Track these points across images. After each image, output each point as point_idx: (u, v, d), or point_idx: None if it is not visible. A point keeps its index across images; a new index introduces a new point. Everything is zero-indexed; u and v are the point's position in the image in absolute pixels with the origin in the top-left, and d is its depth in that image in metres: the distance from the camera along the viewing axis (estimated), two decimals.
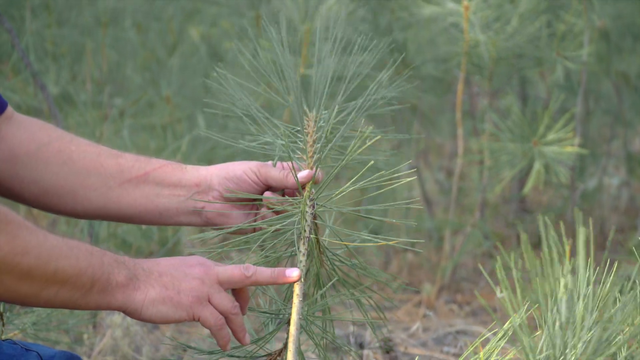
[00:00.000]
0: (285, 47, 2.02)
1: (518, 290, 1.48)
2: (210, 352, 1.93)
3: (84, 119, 3.91)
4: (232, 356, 1.93)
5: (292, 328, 1.81)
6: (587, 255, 1.51)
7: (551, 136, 3.74)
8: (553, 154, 3.71)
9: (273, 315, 1.97)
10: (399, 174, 1.89)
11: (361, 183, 1.88)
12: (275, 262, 1.95)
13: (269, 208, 1.97)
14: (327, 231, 1.93)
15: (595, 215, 5.01)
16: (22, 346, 1.94)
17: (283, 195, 1.98)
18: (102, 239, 3.57)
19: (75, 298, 1.72)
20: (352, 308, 1.99)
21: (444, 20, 3.94)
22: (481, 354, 1.67)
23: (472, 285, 4.37)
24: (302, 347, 1.90)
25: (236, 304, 1.84)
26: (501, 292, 1.47)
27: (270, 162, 2.01)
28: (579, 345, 1.48)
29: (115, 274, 1.75)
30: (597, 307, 1.52)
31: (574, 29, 3.98)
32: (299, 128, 2.01)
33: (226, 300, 1.83)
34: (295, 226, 1.90)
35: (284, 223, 1.91)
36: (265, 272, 1.86)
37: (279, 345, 1.97)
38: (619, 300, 1.55)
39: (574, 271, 1.51)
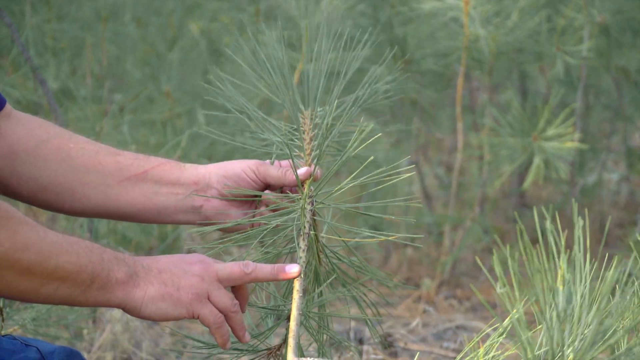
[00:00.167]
0: (282, 45, 2.02)
1: (515, 285, 1.48)
2: (211, 346, 1.93)
3: (84, 114, 3.91)
4: (232, 349, 1.93)
5: (292, 323, 1.81)
6: (585, 246, 1.51)
7: (551, 131, 3.74)
8: (553, 149, 3.71)
9: (272, 311, 1.97)
10: (399, 170, 1.89)
11: (361, 179, 1.88)
12: (275, 259, 1.95)
13: (268, 206, 1.98)
14: (325, 227, 1.93)
15: (595, 211, 5.01)
16: (22, 341, 1.95)
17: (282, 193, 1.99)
18: (101, 235, 3.57)
19: (75, 295, 1.72)
20: (352, 304, 1.99)
21: (444, 14, 3.94)
22: (481, 350, 1.67)
23: (472, 280, 4.38)
24: (301, 343, 1.90)
25: (236, 301, 1.84)
26: (500, 287, 1.47)
27: (268, 161, 2.01)
28: (577, 339, 1.48)
29: (115, 271, 1.75)
30: (596, 300, 1.52)
31: (574, 24, 3.98)
32: (295, 126, 2.01)
33: (226, 298, 1.83)
34: (295, 222, 1.90)
35: (284, 219, 1.91)
36: (265, 269, 1.86)
37: (277, 341, 1.98)
38: (618, 293, 1.55)
39: (571, 262, 1.51)
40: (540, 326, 1.56)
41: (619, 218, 5.09)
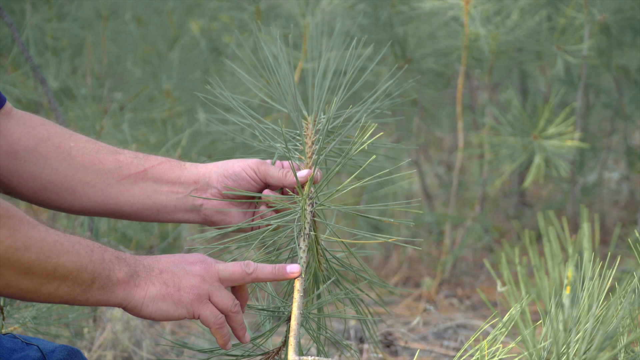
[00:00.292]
0: (281, 50, 2.02)
1: (521, 284, 1.48)
2: (210, 351, 1.93)
3: (84, 113, 3.91)
4: (231, 354, 1.93)
5: (293, 323, 1.81)
6: (592, 250, 1.51)
7: (551, 130, 3.74)
8: (553, 147, 3.71)
9: (272, 313, 1.97)
10: (400, 167, 1.89)
11: (361, 182, 1.88)
12: (276, 259, 1.96)
13: (268, 206, 1.98)
14: (327, 231, 1.94)
15: (596, 210, 5.01)
16: (23, 340, 1.95)
17: (282, 194, 1.99)
18: (102, 233, 3.56)
19: (76, 294, 1.72)
20: (351, 304, 1.99)
21: (445, 14, 3.94)
22: (484, 342, 1.67)
23: (473, 279, 4.38)
24: (301, 343, 1.90)
25: (237, 302, 1.84)
26: (502, 286, 1.47)
27: (269, 160, 2.01)
28: (583, 343, 1.48)
29: (115, 271, 1.75)
30: (599, 303, 1.52)
31: (575, 23, 3.98)
32: (297, 131, 2.02)
33: (227, 298, 1.83)
34: (296, 223, 1.90)
35: (284, 220, 1.91)
36: (266, 269, 1.86)
37: (276, 341, 1.98)
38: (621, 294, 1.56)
39: (575, 265, 1.51)
40: (539, 322, 1.56)
41: (619, 217, 5.09)
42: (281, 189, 2.00)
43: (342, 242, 1.92)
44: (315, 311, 1.95)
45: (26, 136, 1.97)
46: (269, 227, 1.93)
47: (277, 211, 1.97)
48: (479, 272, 4.46)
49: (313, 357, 1.76)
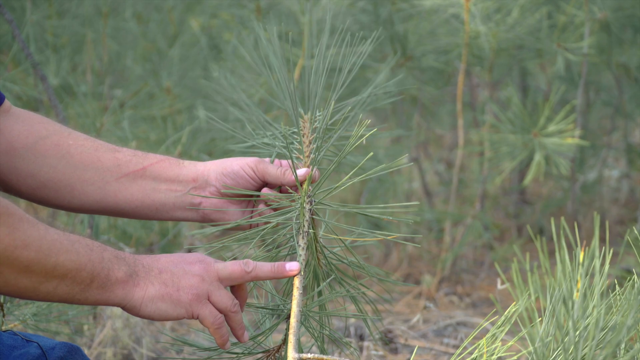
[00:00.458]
0: (280, 57, 2.02)
1: (530, 282, 1.49)
2: (210, 349, 1.93)
3: (84, 110, 3.91)
4: (231, 352, 1.93)
5: (293, 320, 1.81)
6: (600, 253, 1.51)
7: (552, 128, 3.74)
8: (553, 145, 3.71)
9: (271, 311, 1.97)
10: (399, 162, 1.89)
11: (360, 177, 1.88)
12: (275, 257, 1.96)
13: (266, 204, 1.98)
14: (324, 226, 1.94)
15: (595, 207, 5.02)
16: (23, 337, 1.95)
17: (280, 192, 1.99)
18: (102, 230, 3.57)
19: (74, 293, 1.72)
20: (351, 301, 1.99)
21: (445, 11, 3.94)
22: (483, 340, 1.68)
23: (473, 276, 4.38)
24: (301, 341, 1.90)
25: (236, 301, 1.84)
26: (501, 284, 1.47)
27: (267, 159, 2.02)
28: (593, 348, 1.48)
29: (114, 270, 1.75)
30: (605, 308, 1.53)
31: (575, 21, 3.98)
32: (295, 129, 2.02)
33: (226, 298, 1.83)
34: (295, 221, 1.90)
35: (284, 217, 1.92)
36: (265, 267, 1.86)
37: (276, 338, 1.98)
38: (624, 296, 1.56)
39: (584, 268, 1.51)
40: (540, 319, 1.56)
41: (619, 215, 5.10)
42: (279, 188, 2.01)
43: (340, 239, 1.92)
44: (315, 309, 1.95)
45: (25, 134, 1.97)
46: (268, 225, 1.93)
47: (275, 209, 1.97)
48: (479, 269, 4.46)
49: (313, 355, 1.76)
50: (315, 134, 2.01)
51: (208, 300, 1.82)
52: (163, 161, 2.02)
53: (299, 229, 1.90)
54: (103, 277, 1.74)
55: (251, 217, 1.99)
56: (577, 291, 1.47)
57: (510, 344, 1.67)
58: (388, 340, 3.40)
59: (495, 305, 1.49)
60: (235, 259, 1.91)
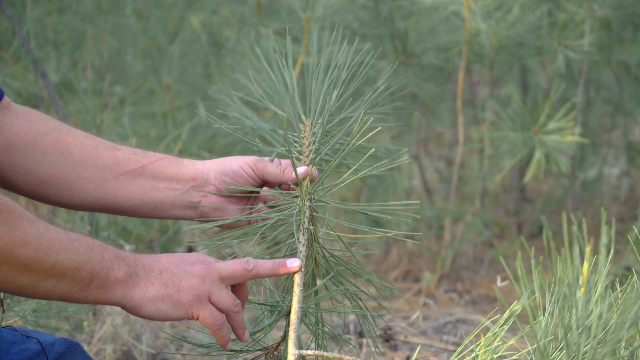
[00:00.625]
0: (279, 60, 2.02)
1: (535, 280, 1.49)
2: (209, 346, 1.93)
3: (85, 107, 3.91)
4: (230, 350, 1.93)
5: (293, 317, 1.81)
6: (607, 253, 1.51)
7: (552, 125, 3.74)
8: (553, 143, 3.71)
9: (271, 308, 1.97)
10: (399, 158, 1.89)
11: (360, 174, 1.88)
12: (275, 254, 1.96)
13: (265, 203, 1.98)
14: (325, 226, 1.94)
15: (595, 205, 5.01)
16: (23, 333, 1.95)
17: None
18: (102, 227, 3.57)
19: (73, 292, 1.72)
20: (351, 298, 1.99)
21: (445, 8, 3.94)
22: (482, 339, 1.68)
23: (472, 274, 4.38)
24: (301, 338, 1.90)
25: (237, 301, 1.84)
26: (502, 281, 1.47)
27: (267, 158, 2.02)
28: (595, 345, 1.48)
29: (114, 270, 1.75)
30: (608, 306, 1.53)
31: (575, 18, 3.98)
32: (296, 134, 2.03)
33: (227, 298, 1.83)
34: (295, 218, 1.90)
35: (284, 214, 1.92)
36: (266, 264, 1.86)
37: (275, 335, 1.98)
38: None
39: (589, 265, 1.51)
40: (540, 318, 1.56)
41: (619, 213, 5.10)
42: (279, 187, 2.01)
43: (339, 236, 1.92)
44: (314, 305, 1.95)
45: (24, 130, 1.97)
46: (268, 221, 1.93)
47: (275, 207, 1.97)
48: (479, 267, 4.46)
49: (313, 351, 1.76)
50: (314, 137, 2.01)
51: (209, 300, 1.82)
52: (162, 159, 2.01)
53: (299, 225, 1.90)
54: (102, 277, 1.74)
55: (250, 214, 1.99)
56: (582, 287, 1.47)
57: (510, 342, 1.67)
58: (387, 337, 3.40)
59: (499, 298, 1.49)
60: (235, 257, 1.91)
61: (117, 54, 4.93)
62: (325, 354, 1.75)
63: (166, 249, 3.82)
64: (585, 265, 1.48)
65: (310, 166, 1.95)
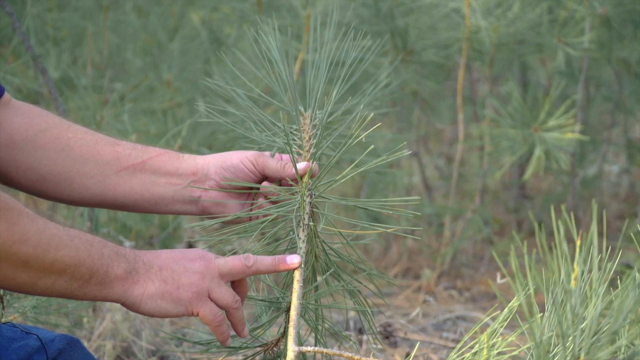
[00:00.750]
0: (281, 55, 2.02)
1: (529, 276, 1.49)
2: (208, 342, 1.94)
3: (85, 103, 3.91)
4: (230, 347, 1.93)
5: (293, 313, 1.81)
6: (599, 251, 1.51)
7: (552, 122, 3.74)
8: (553, 140, 3.71)
9: (272, 304, 1.97)
10: (399, 154, 1.89)
11: (360, 169, 1.89)
12: (275, 250, 1.96)
13: (266, 198, 1.98)
14: (324, 219, 1.94)
15: (595, 202, 5.01)
16: (22, 329, 1.95)
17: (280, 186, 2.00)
18: (102, 223, 3.57)
19: (73, 288, 1.72)
20: (351, 295, 1.99)
21: (446, 5, 3.93)
22: (484, 335, 1.68)
23: (472, 271, 4.38)
24: (300, 334, 1.90)
25: (237, 298, 1.84)
26: (501, 278, 1.47)
27: (267, 153, 2.02)
28: (589, 340, 1.48)
29: (114, 267, 1.75)
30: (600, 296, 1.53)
31: (575, 16, 3.98)
32: (295, 126, 2.03)
33: (227, 295, 1.83)
34: (295, 214, 1.90)
35: (284, 209, 1.92)
36: (266, 261, 1.86)
37: (274, 332, 1.98)
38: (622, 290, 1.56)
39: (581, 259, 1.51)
40: (541, 314, 1.56)
41: (619, 210, 5.10)
42: (279, 182, 2.01)
43: (340, 232, 1.92)
44: (314, 302, 1.95)
45: (25, 127, 1.97)
46: (268, 217, 1.93)
47: (275, 202, 1.97)
48: (479, 264, 4.46)
49: (312, 348, 1.76)
50: (315, 130, 2.01)
51: (209, 297, 1.82)
52: (162, 155, 2.01)
53: (299, 221, 1.90)
54: (102, 274, 1.74)
55: (251, 210, 1.99)
56: (574, 279, 1.48)
57: (510, 338, 1.67)
58: (387, 334, 3.41)
59: (498, 296, 1.49)
60: (235, 253, 1.91)
61: (117, 50, 4.92)
62: (325, 350, 1.75)
63: (166, 245, 3.82)
64: (577, 257, 1.48)
65: (311, 161, 1.95)
